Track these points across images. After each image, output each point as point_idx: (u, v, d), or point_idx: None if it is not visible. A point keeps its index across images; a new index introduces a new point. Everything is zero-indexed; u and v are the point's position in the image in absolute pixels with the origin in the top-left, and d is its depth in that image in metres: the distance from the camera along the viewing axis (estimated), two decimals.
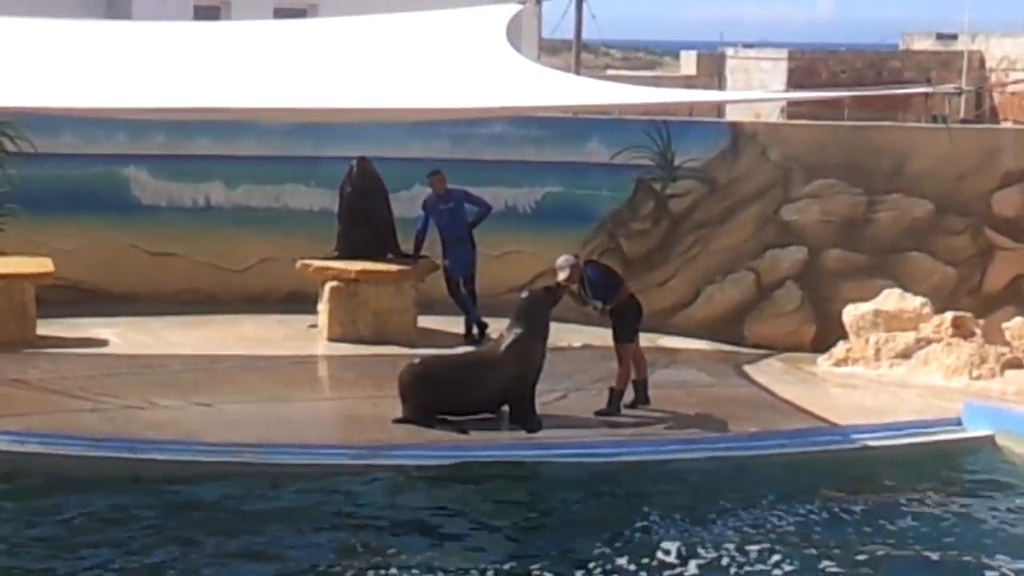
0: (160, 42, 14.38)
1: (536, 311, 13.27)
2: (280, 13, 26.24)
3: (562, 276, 13.66)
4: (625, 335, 13.69)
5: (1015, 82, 29.99)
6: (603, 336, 14.17)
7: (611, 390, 13.66)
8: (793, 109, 26.24)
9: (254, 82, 13.02)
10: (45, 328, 15.84)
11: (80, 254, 17.32)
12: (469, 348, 15.47)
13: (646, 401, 13.82)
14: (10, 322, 15.62)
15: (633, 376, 13.80)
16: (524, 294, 13.52)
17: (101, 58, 13.50)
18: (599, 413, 13.53)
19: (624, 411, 13.62)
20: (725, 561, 10.52)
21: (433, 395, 13.05)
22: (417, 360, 13.47)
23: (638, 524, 11.23)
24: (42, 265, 16.17)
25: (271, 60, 13.87)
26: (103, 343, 15.93)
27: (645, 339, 14.15)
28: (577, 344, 16.09)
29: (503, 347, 13.23)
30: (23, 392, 13.85)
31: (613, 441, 12.88)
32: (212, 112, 14.26)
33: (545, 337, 13.29)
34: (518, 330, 13.18)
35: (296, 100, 12.91)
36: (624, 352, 13.66)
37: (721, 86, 34.21)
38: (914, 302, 15.95)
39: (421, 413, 13.01)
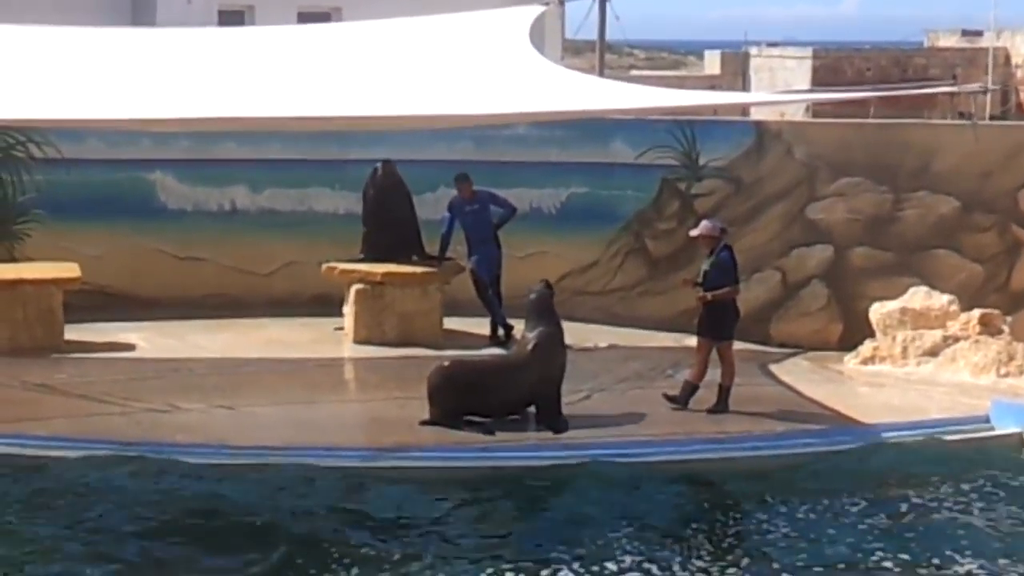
0: (185, 49, 14.43)
1: (550, 308, 13.27)
2: (304, 17, 26.26)
3: (693, 232, 13.80)
4: (727, 332, 13.66)
5: None
6: (628, 336, 14.16)
7: (720, 387, 13.68)
8: (818, 107, 26.14)
9: (279, 92, 13.05)
10: (72, 333, 15.89)
11: (107, 259, 17.38)
12: (496, 350, 15.48)
13: (681, 402, 13.80)
14: (38, 327, 15.70)
15: (689, 377, 13.78)
16: (532, 295, 13.42)
17: (127, 67, 13.55)
18: (711, 411, 13.59)
19: (655, 408, 13.62)
20: (745, 561, 10.53)
21: (461, 397, 13.06)
22: (446, 362, 13.46)
23: (666, 524, 11.22)
24: (69, 270, 16.23)
25: (295, 67, 13.91)
26: (130, 347, 15.99)
27: (671, 338, 14.11)
28: (603, 344, 16.09)
29: (529, 347, 13.22)
30: (51, 396, 13.91)
31: (640, 441, 12.86)
32: (239, 122, 14.31)
33: (562, 333, 13.28)
34: (541, 329, 13.16)
35: (321, 109, 12.92)
36: (727, 350, 13.67)
37: (745, 86, 34.07)
38: (941, 300, 15.89)
39: (449, 415, 13.02)
